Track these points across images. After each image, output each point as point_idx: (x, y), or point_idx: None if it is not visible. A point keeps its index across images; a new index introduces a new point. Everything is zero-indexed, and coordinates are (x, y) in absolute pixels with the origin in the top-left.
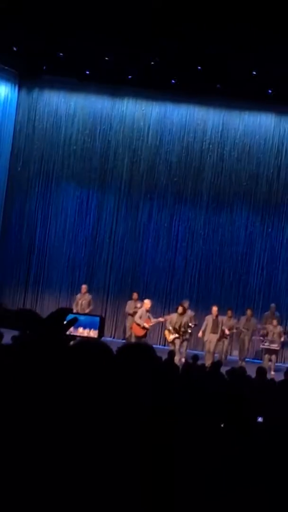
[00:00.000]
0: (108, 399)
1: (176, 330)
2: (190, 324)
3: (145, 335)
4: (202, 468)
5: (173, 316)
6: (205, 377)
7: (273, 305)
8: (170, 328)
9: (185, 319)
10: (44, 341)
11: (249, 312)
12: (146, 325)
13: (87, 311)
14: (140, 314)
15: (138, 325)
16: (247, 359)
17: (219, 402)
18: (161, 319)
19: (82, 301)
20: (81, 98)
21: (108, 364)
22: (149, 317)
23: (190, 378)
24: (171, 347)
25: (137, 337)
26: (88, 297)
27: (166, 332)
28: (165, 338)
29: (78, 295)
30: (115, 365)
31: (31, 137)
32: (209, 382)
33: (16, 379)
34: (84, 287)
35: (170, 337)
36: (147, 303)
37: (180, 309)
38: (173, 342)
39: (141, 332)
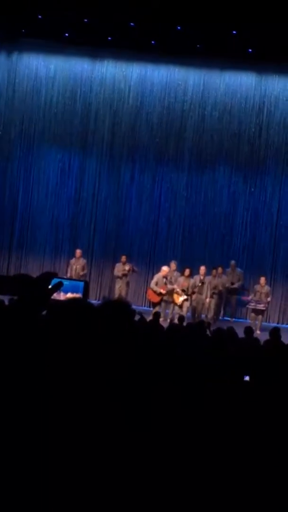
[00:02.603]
0: (92, 354)
1: (185, 292)
2: (198, 284)
3: (160, 302)
4: (186, 429)
5: (180, 280)
6: (189, 337)
7: (232, 262)
8: (179, 290)
9: (192, 280)
10: (29, 303)
11: (219, 269)
12: (163, 291)
13: (81, 276)
14: (156, 280)
15: (154, 291)
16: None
17: (203, 362)
18: (174, 286)
19: (77, 265)
20: (61, 61)
21: (89, 321)
22: (165, 284)
23: (173, 339)
24: (179, 311)
25: (153, 304)
26: (82, 261)
27: (175, 295)
28: (173, 302)
29: (73, 260)
30: (96, 321)
31: (11, 101)
32: (193, 342)
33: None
34: (78, 251)
35: (180, 299)
36: (165, 269)
37: (186, 272)
38: (181, 305)
39: (156, 299)
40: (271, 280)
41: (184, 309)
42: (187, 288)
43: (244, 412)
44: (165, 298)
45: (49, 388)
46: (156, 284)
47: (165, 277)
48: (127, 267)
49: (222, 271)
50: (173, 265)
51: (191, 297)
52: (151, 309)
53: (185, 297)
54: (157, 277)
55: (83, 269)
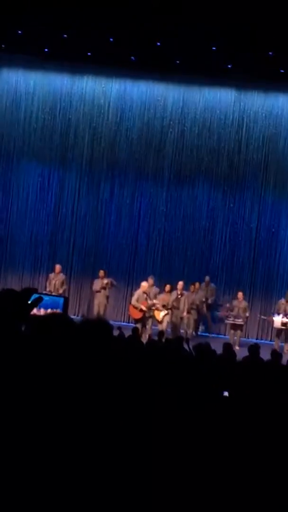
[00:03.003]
0: (71, 367)
1: (165, 307)
2: (178, 296)
3: (142, 318)
4: (166, 445)
5: (161, 296)
6: (168, 353)
7: (207, 277)
8: (159, 306)
9: (173, 296)
10: (9, 318)
11: (196, 285)
12: (143, 307)
13: (60, 291)
14: (137, 297)
15: (135, 308)
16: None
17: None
18: (155, 301)
19: (56, 281)
20: (41, 76)
21: (69, 337)
22: (146, 299)
23: (153, 355)
24: (160, 327)
25: (135, 320)
26: (61, 277)
27: (156, 311)
28: (154, 317)
29: (52, 275)
30: (76, 337)
31: None
32: (171, 358)
33: None
34: (58, 267)
35: (160, 315)
36: (144, 285)
37: (167, 288)
38: (162, 320)
39: (138, 315)
40: (250, 295)
41: (164, 324)
42: (167, 304)
43: (223, 428)
44: (146, 314)
45: (28, 400)
46: (137, 300)
47: (145, 292)
48: (105, 281)
49: (199, 286)
50: (150, 280)
51: (171, 312)
52: (131, 324)
53: (165, 312)
54: (138, 293)
55: (62, 284)
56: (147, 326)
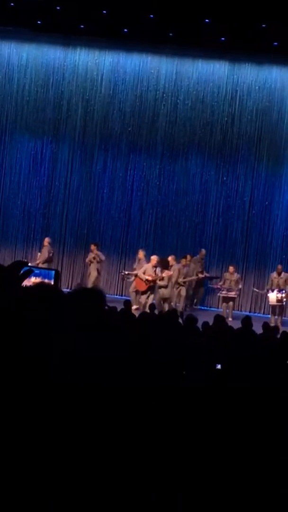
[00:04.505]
0: (61, 337)
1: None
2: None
3: (148, 290)
4: (162, 419)
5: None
6: (159, 325)
7: (203, 250)
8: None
9: (169, 271)
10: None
11: (188, 258)
12: (149, 278)
13: (40, 260)
14: (145, 269)
15: (141, 279)
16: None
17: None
18: (163, 275)
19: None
20: (33, 49)
21: (56, 304)
22: (155, 272)
23: (146, 327)
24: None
25: (142, 292)
26: (47, 248)
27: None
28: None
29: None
30: (64, 304)
31: None
32: (163, 330)
33: None
34: (45, 240)
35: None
36: (154, 259)
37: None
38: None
39: (144, 287)
40: (243, 269)
41: (158, 298)
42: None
43: (216, 401)
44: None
45: (20, 373)
46: (144, 273)
47: (154, 266)
48: (92, 255)
49: (191, 259)
50: (141, 253)
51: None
52: (124, 297)
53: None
54: (146, 266)
55: (48, 253)
56: (139, 299)
